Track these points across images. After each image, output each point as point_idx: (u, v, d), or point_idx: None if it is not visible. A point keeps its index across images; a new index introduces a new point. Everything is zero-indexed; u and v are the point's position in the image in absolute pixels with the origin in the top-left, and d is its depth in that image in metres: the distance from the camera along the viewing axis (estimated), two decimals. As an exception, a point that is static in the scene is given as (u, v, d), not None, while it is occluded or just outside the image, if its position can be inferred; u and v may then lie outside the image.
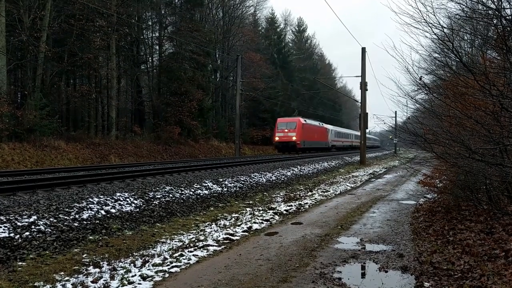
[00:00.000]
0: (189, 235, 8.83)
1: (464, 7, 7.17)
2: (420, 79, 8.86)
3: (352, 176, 23.75)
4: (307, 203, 12.89)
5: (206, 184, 14.63)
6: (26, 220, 7.88)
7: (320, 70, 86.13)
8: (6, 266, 6.41)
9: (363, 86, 33.48)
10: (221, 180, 15.94)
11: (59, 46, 27.99)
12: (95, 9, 28.32)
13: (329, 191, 16.26)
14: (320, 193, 15.50)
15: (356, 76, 34.83)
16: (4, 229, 7.32)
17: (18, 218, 7.87)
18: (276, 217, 10.67)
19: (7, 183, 11.50)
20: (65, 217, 8.56)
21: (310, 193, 15.89)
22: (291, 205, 12.40)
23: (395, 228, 8.90)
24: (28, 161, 21.12)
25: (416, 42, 32.66)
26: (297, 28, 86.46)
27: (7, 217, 7.79)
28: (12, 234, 7.28)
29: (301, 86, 67.49)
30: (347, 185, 18.33)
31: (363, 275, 5.90)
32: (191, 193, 13.17)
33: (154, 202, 11.32)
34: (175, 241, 8.30)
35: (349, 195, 14.99)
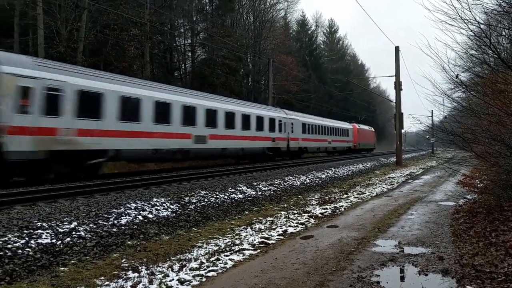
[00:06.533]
0: (225, 239, 8.87)
1: (501, 1, 6.94)
2: (457, 77, 8.66)
3: (388, 177, 23.35)
4: (342, 205, 12.74)
5: (240, 188, 14.70)
6: (67, 226, 8.13)
7: (352, 70, 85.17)
8: (49, 271, 6.63)
9: (398, 86, 32.90)
10: (255, 184, 15.97)
11: (95, 56, 28.81)
12: (129, 19, 28.97)
13: (365, 193, 16.02)
14: (356, 196, 15.30)
15: (390, 76, 34.39)
16: (46, 235, 7.57)
17: (60, 224, 8.12)
18: (312, 220, 10.59)
19: (48, 191, 11.87)
20: (104, 223, 8.78)
21: (345, 195, 15.70)
22: (326, 208, 12.29)
23: (435, 230, 8.68)
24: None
25: (451, 40, 31.81)
26: (328, 30, 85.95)
27: (49, 223, 8.05)
28: (54, 240, 7.52)
29: (333, 87, 66.92)
30: (383, 187, 18.03)
31: (402, 278, 5.78)
32: (226, 197, 13.25)
33: (190, 206, 11.45)
34: (211, 245, 8.36)
35: (385, 197, 14.73)
